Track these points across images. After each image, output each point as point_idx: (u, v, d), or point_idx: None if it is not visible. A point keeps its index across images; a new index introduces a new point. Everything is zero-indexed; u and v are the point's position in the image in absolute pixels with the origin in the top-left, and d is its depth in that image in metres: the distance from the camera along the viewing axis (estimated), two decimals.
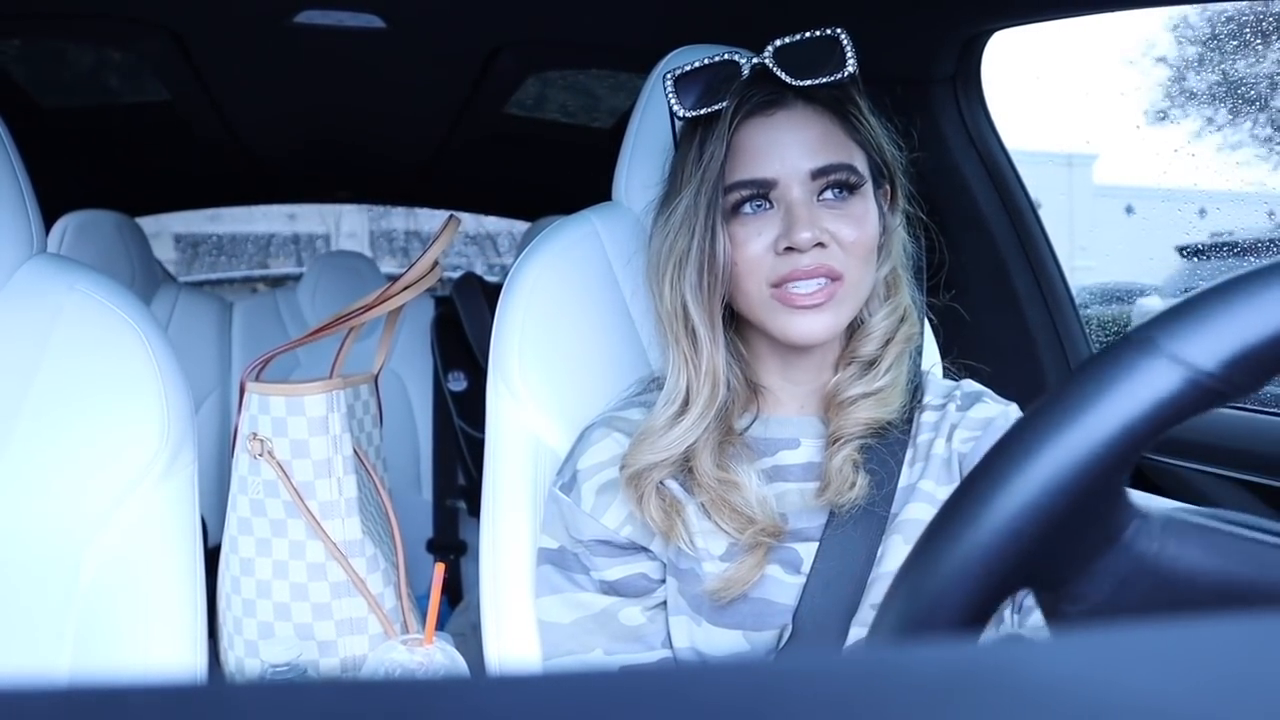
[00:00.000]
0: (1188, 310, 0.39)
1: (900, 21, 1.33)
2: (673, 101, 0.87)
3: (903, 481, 0.88)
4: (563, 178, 2.41)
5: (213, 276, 4.22)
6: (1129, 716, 0.18)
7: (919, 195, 0.93)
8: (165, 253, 5.34)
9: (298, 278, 2.76)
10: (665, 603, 0.89)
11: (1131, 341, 0.40)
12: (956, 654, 0.22)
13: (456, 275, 2.65)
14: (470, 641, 1.66)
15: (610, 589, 0.88)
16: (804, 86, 0.84)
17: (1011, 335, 1.43)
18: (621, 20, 1.58)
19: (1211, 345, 0.38)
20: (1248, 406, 1.21)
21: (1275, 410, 1.17)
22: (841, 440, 0.87)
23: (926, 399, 0.93)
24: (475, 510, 1.81)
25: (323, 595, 1.15)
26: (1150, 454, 1.22)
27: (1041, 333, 1.42)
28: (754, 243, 0.83)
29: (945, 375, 1.03)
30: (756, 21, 1.35)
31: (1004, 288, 1.43)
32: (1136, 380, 0.39)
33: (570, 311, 1.04)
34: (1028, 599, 0.89)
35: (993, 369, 1.00)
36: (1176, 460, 1.21)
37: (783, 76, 0.84)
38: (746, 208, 0.84)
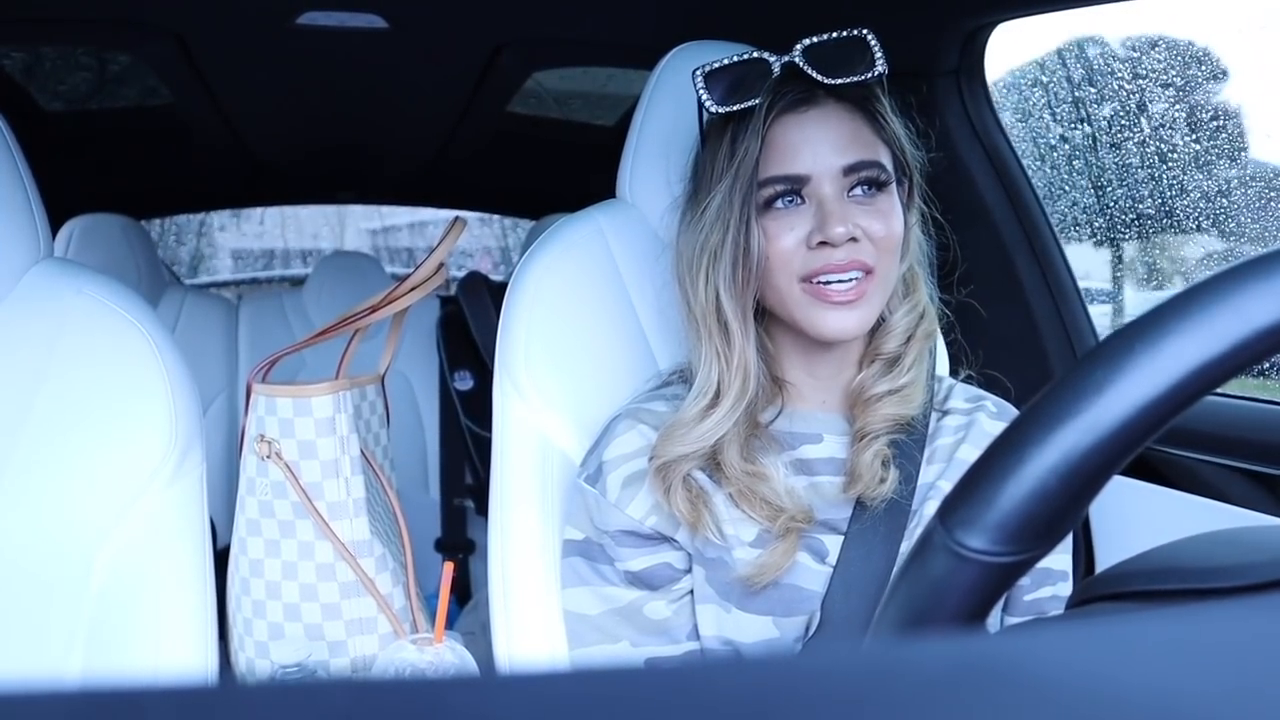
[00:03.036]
0: (960, 496, 0.41)
1: (903, 15, 1.33)
2: (704, 97, 0.88)
3: (922, 479, 0.90)
4: (567, 175, 2.41)
5: (218, 279, 4.24)
6: (1139, 708, 0.18)
7: (928, 190, 0.94)
8: (223, 261, 5.54)
9: (303, 279, 2.76)
10: (690, 594, 0.90)
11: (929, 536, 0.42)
12: (966, 648, 0.22)
13: (462, 275, 2.65)
14: (479, 640, 1.67)
15: (635, 580, 0.89)
16: (835, 85, 0.85)
17: (1017, 328, 1.42)
18: (623, 17, 1.58)
19: (984, 529, 0.39)
20: (1255, 397, 1.20)
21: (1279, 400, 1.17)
22: (869, 436, 0.88)
23: (950, 403, 0.95)
24: (483, 509, 1.81)
25: (332, 595, 1.15)
26: (1156, 444, 1.22)
27: (1047, 325, 1.42)
28: (787, 237, 0.84)
29: (963, 380, 1.04)
30: (759, 17, 1.35)
31: (1009, 280, 1.42)
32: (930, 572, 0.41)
33: (576, 309, 1.04)
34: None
35: (998, 361, 1.00)
36: (1183, 451, 1.21)
37: (814, 75, 0.85)
38: (779, 203, 0.85)
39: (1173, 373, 0.36)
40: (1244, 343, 0.36)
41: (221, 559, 1.11)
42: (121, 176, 2.60)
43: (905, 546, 0.86)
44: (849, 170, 0.84)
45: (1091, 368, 0.38)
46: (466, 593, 2.36)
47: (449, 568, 1.01)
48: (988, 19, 1.34)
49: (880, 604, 0.44)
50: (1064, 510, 0.38)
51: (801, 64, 0.85)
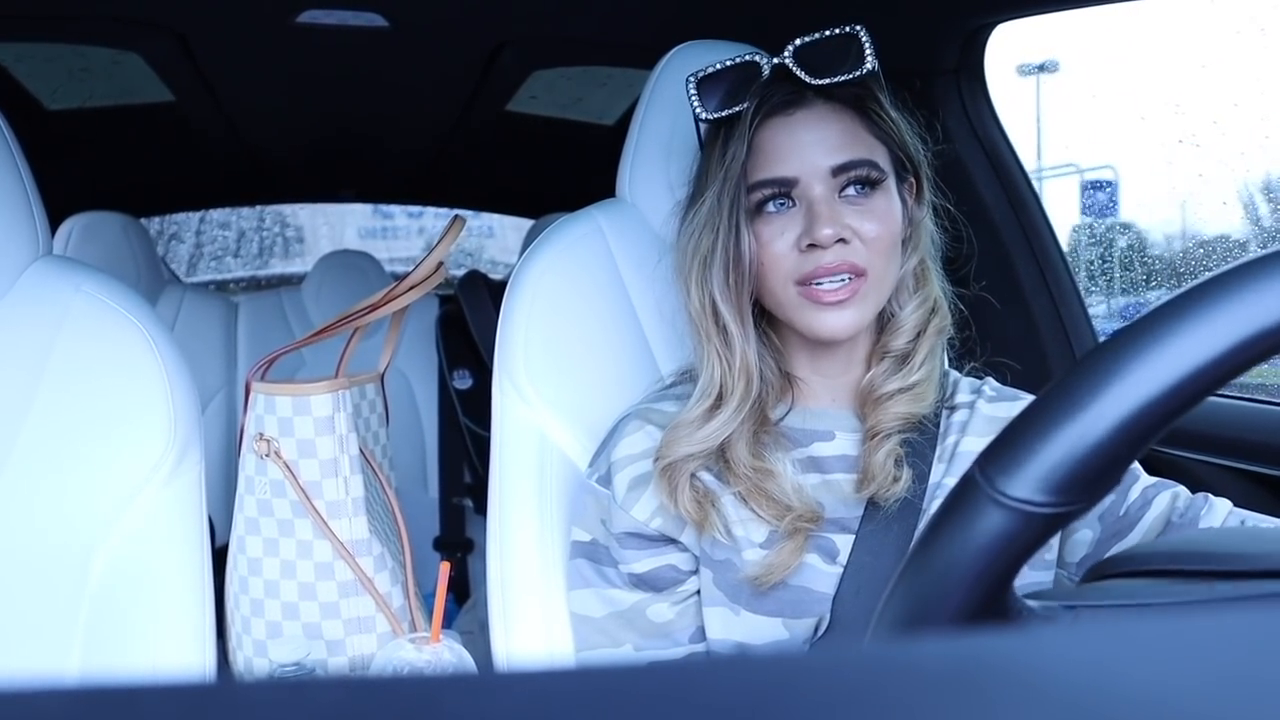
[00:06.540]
0: (1004, 444, 0.40)
1: (903, 14, 1.33)
2: (695, 104, 0.88)
3: (933, 478, 0.89)
4: (566, 174, 2.41)
5: (218, 278, 4.24)
6: (1139, 704, 0.18)
7: (940, 183, 0.93)
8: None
9: (302, 277, 2.76)
10: (694, 596, 0.90)
11: (968, 484, 0.41)
12: (965, 647, 0.22)
13: (461, 273, 2.65)
14: (478, 639, 1.67)
15: (639, 582, 0.89)
16: (823, 85, 0.85)
17: (1017, 328, 1.42)
18: (624, 16, 1.58)
19: (1028, 477, 0.39)
20: (1249, 396, 1.20)
21: (1276, 400, 1.17)
22: (881, 435, 0.87)
23: (957, 397, 0.94)
24: (481, 508, 1.81)
25: (330, 594, 1.15)
26: (1153, 445, 1.22)
27: (1047, 325, 1.42)
28: (778, 241, 0.84)
29: (968, 374, 1.03)
30: (760, 16, 1.35)
31: (1009, 280, 1.42)
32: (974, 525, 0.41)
33: (575, 308, 1.04)
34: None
35: (998, 362, 1.00)
36: (1178, 450, 1.21)
37: (802, 76, 0.85)
38: (770, 206, 0.85)
39: (1246, 325, 0.36)
40: None
41: (220, 557, 1.11)
42: (121, 174, 2.60)
43: None
44: (838, 170, 0.84)
45: (1152, 324, 0.37)
46: (465, 591, 2.37)
47: (446, 567, 1.02)
48: (988, 19, 1.34)
49: (909, 552, 0.44)
50: (1115, 460, 0.37)
51: (791, 65, 0.85)
